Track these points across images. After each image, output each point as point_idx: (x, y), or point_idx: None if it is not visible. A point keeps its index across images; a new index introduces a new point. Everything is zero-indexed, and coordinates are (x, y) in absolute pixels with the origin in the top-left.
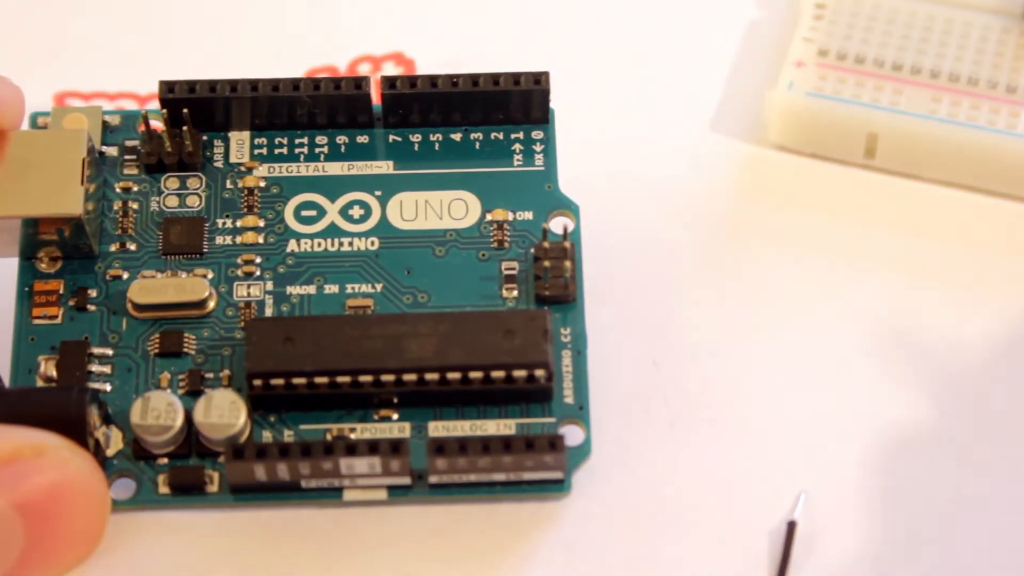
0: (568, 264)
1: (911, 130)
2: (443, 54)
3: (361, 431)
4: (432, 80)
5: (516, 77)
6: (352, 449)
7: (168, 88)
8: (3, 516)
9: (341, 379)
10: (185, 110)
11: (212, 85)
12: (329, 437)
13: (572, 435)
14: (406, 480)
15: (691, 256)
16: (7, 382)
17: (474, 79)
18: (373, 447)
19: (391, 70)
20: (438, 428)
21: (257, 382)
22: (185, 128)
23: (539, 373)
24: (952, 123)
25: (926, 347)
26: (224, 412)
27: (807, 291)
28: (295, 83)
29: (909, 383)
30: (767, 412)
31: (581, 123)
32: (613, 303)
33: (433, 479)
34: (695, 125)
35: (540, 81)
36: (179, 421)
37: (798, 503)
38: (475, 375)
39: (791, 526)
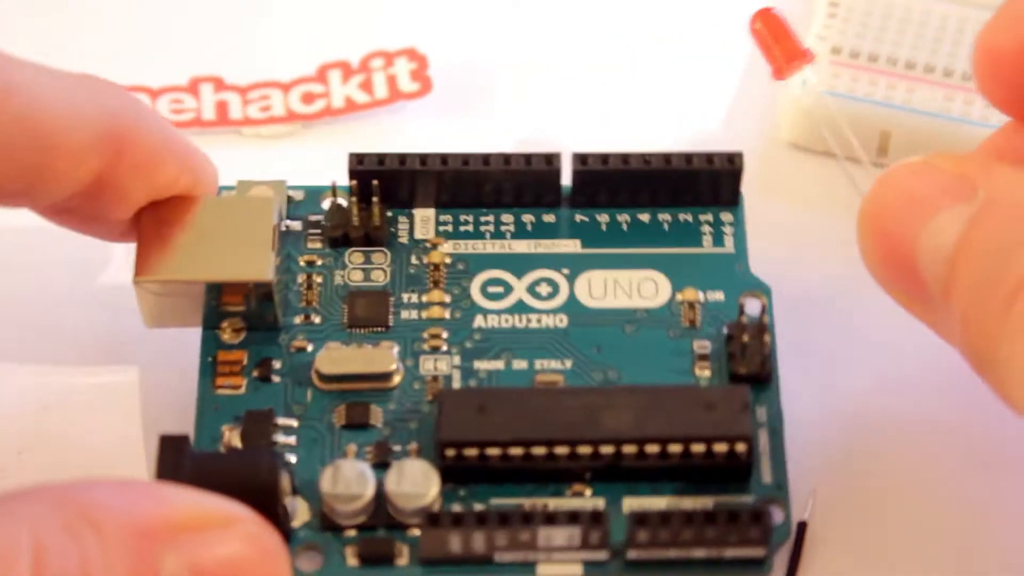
0: (766, 341)
1: (924, 128)
2: (456, 49)
3: (554, 506)
4: (624, 158)
5: (710, 157)
6: (551, 519)
7: (357, 160)
8: None
9: (536, 451)
10: (375, 181)
11: (402, 158)
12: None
13: (771, 515)
14: (603, 556)
15: None
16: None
17: (666, 157)
18: (573, 517)
19: (404, 65)
20: (632, 505)
21: (450, 452)
22: (375, 199)
23: (740, 448)
24: (965, 122)
25: (936, 344)
26: (417, 481)
27: (819, 288)
28: (485, 158)
29: (919, 381)
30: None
31: (598, 120)
32: None
33: (631, 555)
34: (708, 122)
35: (734, 161)
36: (370, 490)
37: (808, 503)
38: (674, 449)
39: (801, 526)
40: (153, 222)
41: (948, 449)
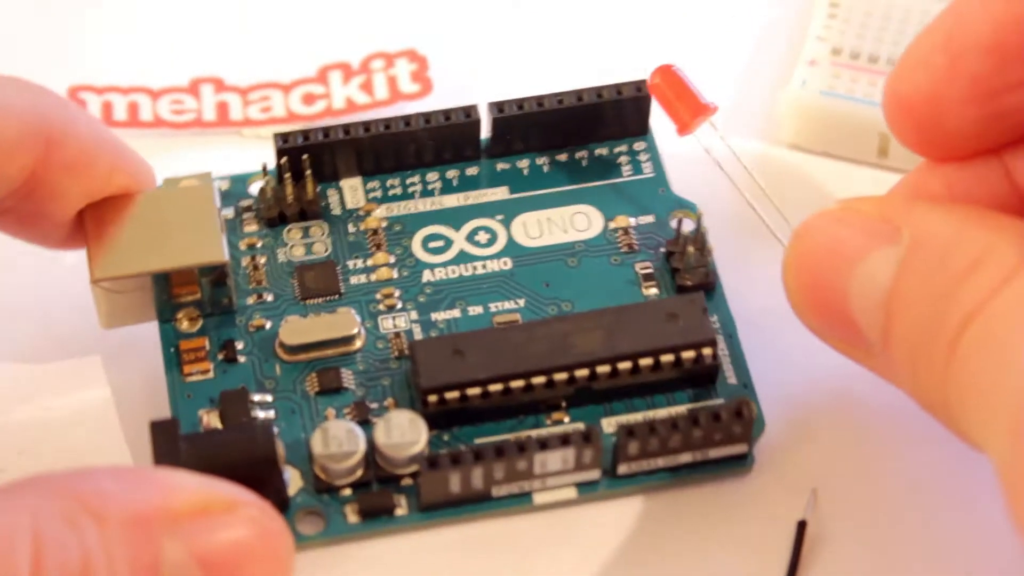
0: (706, 252)
1: None
2: (456, 50)
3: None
4: (539, 101)
5: (619, 88)
6: (544, 444)
7: (282, 139)
8: (185, 571)
9: (514, 384)
10: (305, 156)
11: (325, 131)
12: None
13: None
14: (595, 475)
15: None
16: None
17: (578, 95)
18: (564, 440)
19: (405, 66)
20: (611, 424)
21: (432, 398)
22: (307, 173)
23: (706, 352)
24: None
25: None
26: (405, 431)
27: None
28: (406, 119)
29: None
30: (776, 408)
31: None
32: None
33: (622, 468)
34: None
35: (640, 89)
36: (362, 445)
37: (808, 502)
38: (645, 362)
39: (801, 526)
40: (97, 223)
41: (948, 448)
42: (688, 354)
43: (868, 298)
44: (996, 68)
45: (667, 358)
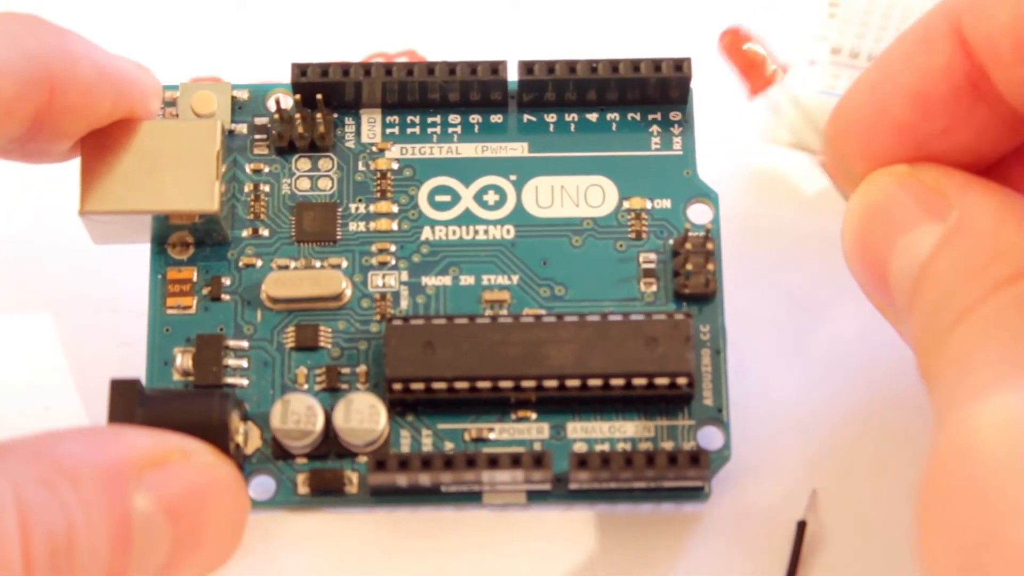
0: (711, 267)
1: None
2: (456, 50)
3: (500, 431)
4: (571, 65)
5: (657, 63)
6: (494, 462)
7: (300, 71)
8: (154, 520)
9: (481, 384)
10: (319, 95)
11: (345, 68)
12: (467, 437)
13: (711, 438)
14: (546, 486)
15: None
16: (144, 373)
17: (614, 65)
18: (516, 460)
19: None
20: (576, 429)
21: (397, 386)
22: (319, 115)
23: (681, 381)
24: None
25: None
26: (364, 417)
27: (819, 290)
28: (430, 67)
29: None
30: (777, 409)
31: None
32: None
33: (573, 486)
34: (707, 123)
35: (682, 68)
36: (319, 425)
37: (808, 502)
38: (616, 382)
39: (801, 526)
40: (95, 150)
41: None
42: (662, 380)
43: (904, 269)
44: (920, 118)
45: (640, 381)
